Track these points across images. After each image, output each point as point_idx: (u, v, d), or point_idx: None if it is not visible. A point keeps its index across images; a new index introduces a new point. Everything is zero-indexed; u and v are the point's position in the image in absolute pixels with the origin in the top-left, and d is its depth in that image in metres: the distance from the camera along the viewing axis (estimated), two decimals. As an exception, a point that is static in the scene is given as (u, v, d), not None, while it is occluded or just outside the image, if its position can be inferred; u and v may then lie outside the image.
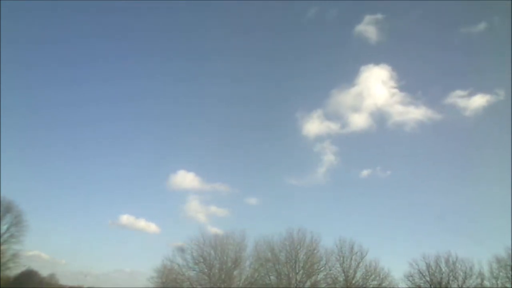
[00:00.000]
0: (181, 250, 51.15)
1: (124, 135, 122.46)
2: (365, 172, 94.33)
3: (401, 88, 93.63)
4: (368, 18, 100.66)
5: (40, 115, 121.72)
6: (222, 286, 48.50)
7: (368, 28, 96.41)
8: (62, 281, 77.67)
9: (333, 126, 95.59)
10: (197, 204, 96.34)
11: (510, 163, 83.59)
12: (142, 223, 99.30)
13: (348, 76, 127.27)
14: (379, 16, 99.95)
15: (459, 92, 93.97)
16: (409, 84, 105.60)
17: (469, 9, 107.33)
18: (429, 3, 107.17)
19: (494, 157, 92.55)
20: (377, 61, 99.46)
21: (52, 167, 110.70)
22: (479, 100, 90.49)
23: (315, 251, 50.54)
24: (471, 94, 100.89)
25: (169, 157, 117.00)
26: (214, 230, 55.28)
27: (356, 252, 49.46)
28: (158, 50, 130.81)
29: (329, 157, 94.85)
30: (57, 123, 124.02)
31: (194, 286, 50.00)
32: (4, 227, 50.68)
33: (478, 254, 59.96)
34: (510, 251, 45.25)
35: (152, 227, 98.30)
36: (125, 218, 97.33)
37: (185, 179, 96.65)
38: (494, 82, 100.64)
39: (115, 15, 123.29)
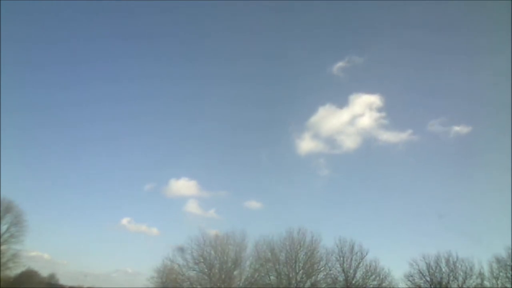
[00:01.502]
0: (181, 250, 51.21)
1: (126, 136, 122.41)
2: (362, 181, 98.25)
3: (387, 115, 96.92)
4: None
5: (41, 115, 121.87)
6: (222, 286, 48.51)
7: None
8: (62, 281, 77.81)
9: (324, 146, 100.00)
10: (196, 207, 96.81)
11: (510, 163, 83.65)
12: (142, 226, 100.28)
13: (338, 101, 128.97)
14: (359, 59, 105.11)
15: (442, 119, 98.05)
16: (395, 111, 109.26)
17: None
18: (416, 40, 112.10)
19: (493, 157, 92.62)
20: (366, 91, 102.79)
21: (52, 167, 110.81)
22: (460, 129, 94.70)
23: (315, 251, 50.56)
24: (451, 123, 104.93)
25: (171, 161, 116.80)
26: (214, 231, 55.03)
27: (356, 252, 49.52)
28: (159, 51, 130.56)
29: (325, 172, 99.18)
30: (57, 123, 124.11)
31: (194, 286, 50.01)
32: (4, 227, 50.81)
33: (478, 254, 59.97)
34: (510, 251, 45.32)
35: (152, 229, 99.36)
36: (126, 221, 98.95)
37: (186, 186, 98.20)
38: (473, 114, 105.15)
39: (115, 15, 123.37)
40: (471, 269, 46.41)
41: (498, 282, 45.28)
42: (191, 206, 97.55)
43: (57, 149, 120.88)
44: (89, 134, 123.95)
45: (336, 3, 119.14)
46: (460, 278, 46.13)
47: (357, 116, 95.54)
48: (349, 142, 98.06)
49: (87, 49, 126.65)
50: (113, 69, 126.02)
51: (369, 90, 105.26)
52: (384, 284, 47.60)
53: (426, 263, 47.88)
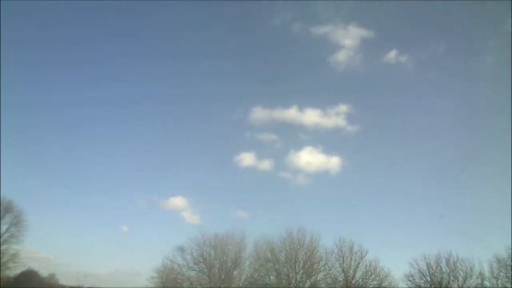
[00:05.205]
0: (181, 250, 51.31)
1: (128, 137, 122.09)
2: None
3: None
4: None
5: (41, 115, 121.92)
6: (222, 286, 48.55)
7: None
8: (62, 281, 77.82)
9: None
10: (194, 217, 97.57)
11: (510, 163, 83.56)
12: (142, 229, 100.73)
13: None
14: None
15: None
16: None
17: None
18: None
19: (494, 157, 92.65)
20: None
21: (52, 167, 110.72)
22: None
23: (315, 251, 50.56)
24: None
25: (172, 166, 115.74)
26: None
27: (356, 252, 49.45)
28: (160, 52, 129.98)
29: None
30: (57, 123, 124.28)
31: (194, 286, 50.07)
32: (4, 227, 50.81)
33: (479, 254, 59.94)
34: (510, 251, 45.18)
35: (152, 235, 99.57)
36: (126, 224, 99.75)
37: (184, 202, 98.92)
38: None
39: (115, 15, 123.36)
40: (471, 269, 46.36)
41: (498, 282, 45.19)
42: (188, 216, 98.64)
43: (57, 149, 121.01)
44: (90, 134, 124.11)
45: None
46: (460, 278, 46.06)
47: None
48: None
49: (86, 49, 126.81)
50: (114, 69, 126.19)
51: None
52: (384, 284, 47.56)
53: (427, 263, 47.80)
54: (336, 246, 50.02)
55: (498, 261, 45.93)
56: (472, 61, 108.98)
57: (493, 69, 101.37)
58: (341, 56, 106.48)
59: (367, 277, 48.34)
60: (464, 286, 45.59)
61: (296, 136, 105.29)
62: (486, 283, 45.77)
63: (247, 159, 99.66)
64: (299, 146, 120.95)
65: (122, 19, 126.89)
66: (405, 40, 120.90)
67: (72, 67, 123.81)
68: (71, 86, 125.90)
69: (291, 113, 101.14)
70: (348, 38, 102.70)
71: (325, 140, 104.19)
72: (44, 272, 73.45)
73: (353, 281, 47.90)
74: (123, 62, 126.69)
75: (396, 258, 69.75)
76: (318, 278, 50.38)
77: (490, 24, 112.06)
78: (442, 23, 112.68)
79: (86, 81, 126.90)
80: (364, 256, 49.06)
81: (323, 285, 49.85)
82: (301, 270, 49.73)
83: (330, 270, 49.84)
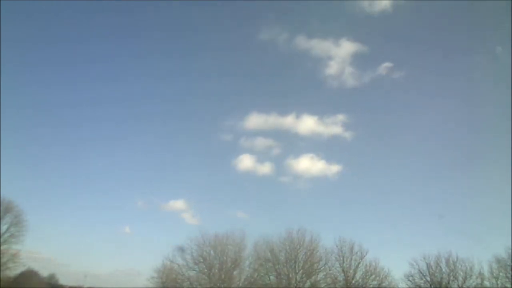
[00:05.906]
0: (181, 250, 51.36)
1: (128, 136, 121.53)
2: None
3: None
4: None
5: (41, 114, 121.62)
6: (222, 286, 48.59)
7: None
8: (62, 281, 77.78)
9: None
10: (194, 218, 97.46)
11: (510, 163, 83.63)
12: (142, 230, 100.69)
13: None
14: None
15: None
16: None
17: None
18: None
19: (494, 157, 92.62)
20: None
21: (52, 167, 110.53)
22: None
23: (315, 251, 50.56)
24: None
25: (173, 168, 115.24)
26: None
27: (356, 252, 49.43)
28: (159, 51, 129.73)
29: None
30: (57, 123, 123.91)
31: (194, 286, 50.11)
32: (4, 227, 50.81)
33: (478, 254, 59.90)
34: (510, 251, 45.17)
35: (151, 233, 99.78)
36: (127, 225, 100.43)
37: (184, 204, 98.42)
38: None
39: (115, 15, 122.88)
40: (471, 269, 46.37)
41: (498, 282, 45.22)
42: (188, 217, 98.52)
43: (57, 149, 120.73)
44: (90, 134, 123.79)
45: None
46: (460, 278, 46.08)
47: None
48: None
49: (87, 49, 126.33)
50: (114, 69, 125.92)
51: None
52: (384, 284, 47.58)
53: (426, 263, 47.82)
54: (336, 246, 50.14)
55: (498, 261, 46.00)
56: (471, 61, 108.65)
57: (492, 69, 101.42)
58: (335, 68, 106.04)
59: (367, 277, 48.36)
60: (464, 286, 45.62)
61: (293, 142, 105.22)
62: (486, 283, 45.82)
63: (245, 162, 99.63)
64: (297, 153, 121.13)
65: (122, 19, 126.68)
66: (400, 47, 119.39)
67: (72, 67, 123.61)
68: (71, 86, 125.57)
69: (289, 120, 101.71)
70: (342, 50, 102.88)
71: (323, 146, 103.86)
72: (44, 272, 73.59)
73: (353, 281, 47.92)
74: (123, 62, 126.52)
75: (396, 258, 69.49)
76: (318, 278, 50.41)
77: (490, 25, 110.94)
78: (439, 25, 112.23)
79: (86, 81, 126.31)
80: (364, 256, 49.14)
81: (323, 285, 49.85)
82: (301, 270, 49.75)
83: (330, 270, 49.90)
